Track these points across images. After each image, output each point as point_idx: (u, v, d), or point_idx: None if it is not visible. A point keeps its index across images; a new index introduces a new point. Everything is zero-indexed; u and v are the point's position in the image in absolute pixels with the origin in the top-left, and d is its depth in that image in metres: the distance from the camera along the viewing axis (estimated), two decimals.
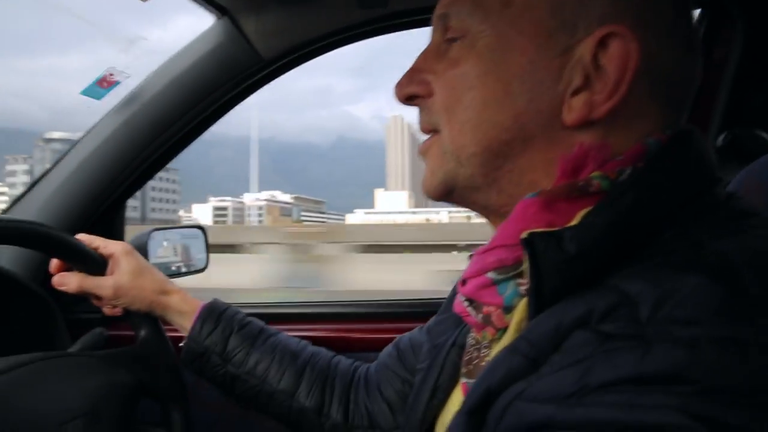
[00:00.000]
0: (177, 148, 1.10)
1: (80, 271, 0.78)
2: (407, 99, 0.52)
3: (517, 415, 0.36)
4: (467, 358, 0.54)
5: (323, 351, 0.85)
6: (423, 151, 0.52)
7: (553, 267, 0.39)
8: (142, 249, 1.02)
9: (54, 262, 0.80)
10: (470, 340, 0.55)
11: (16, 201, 1.09)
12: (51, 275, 0.79)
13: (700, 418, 0.30)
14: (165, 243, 1.09)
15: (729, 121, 1.09)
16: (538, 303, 0.40)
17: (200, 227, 1.18)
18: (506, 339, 0.45)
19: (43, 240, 0.73)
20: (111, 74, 0.99)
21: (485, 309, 0.47)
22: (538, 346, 0.38)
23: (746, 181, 0.74)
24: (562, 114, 0.45)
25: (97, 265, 0.78)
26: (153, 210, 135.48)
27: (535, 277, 0.40)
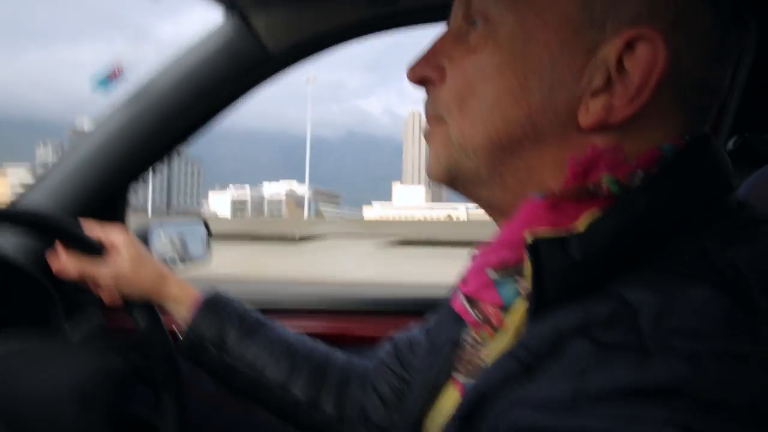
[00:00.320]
0: (183, 140, 1.10)
1: (78, 256, 0.78)
2: (419, 81, 0.50)
3: (510, 422, 0.35)
4: (464, 356, 0.53)
5: (320, 345, 0.84)
6: (428, 135, 0.51)
7: (556, 273, 0.38)
8: (144, 240, 1.03)
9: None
10: (467, 339, 0.54)
11: (24, 193, 1.10)
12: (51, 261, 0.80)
13: None
14: (167, 235, 1.10)
15: (740, 125, 1.07)
16: (538, 308, 0.39)
17: (202, 220, 1.18)
18: (503, 339, 0.45)
19: (40, 221, 0.74)
20: (119, 67, 1.00)
21: (484, 308, 0.46)
22: (535, 352, 0.37)
23: (757, 186, 0.73)
24: (578, 115, 0.42)
25: (94, 249, 0.78)
26: (177, 200, 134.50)
27: (536, 282, 0.39)
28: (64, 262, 0.79)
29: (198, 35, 1.06)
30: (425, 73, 0.50)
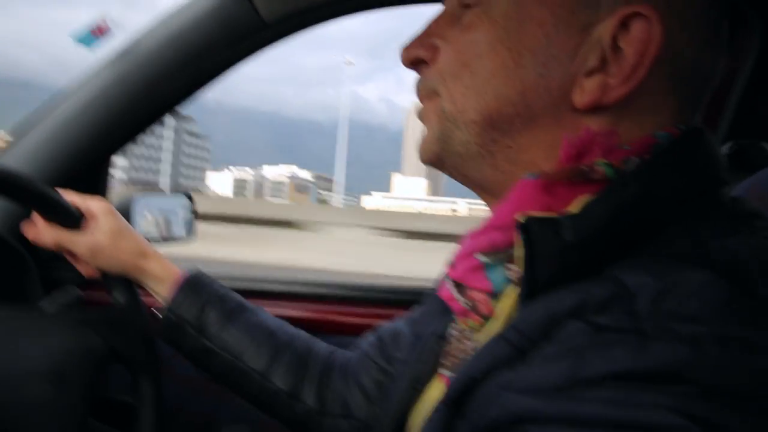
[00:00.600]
0: (169, 107, 1.06)
1: (54, 223, 0.74)
2: (412, 63, 0.50)
3: (501, 406, 0.34)
4: (448, 349, 0.52)
5: (302, 333, 0.82)
6: (421, 113, 0.50)
7: (548, 255, 0.38)
8: (126, 213, 0.99)
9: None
10: (453, 331, 0.54)
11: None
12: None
13: (698, 420, 0.28)
14: (150, 210, 1.06)
15: (736, 131, 1.07)
16: (530, 291, 0.38)
17: (188, 195, 1.14)
18: (492, 327, 0.43)
19: (16, 186, 0.69)
20: (105, 21, 0.94)
21: (472, 294, 0.45)
22: (527, 335, 0.36)
23: (750, 190, 0.72)
24: (573, 95, 0.42)
25: (71, 217, 0.74)
26: (185, 177, 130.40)
27: (528, 264, 0.38)
28: (41, 230, 0.75)
29: None
30: (419, 53, 0.49)
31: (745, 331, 0.31)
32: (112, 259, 0.76)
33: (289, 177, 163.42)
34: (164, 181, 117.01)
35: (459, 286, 0.46)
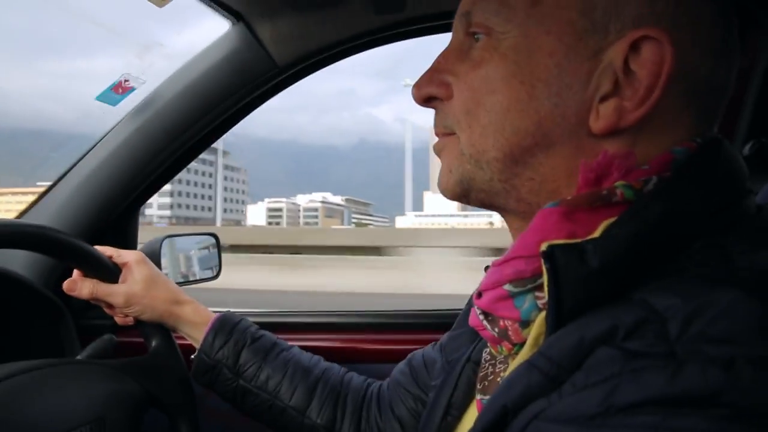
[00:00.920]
0: (191, 155, 1.09)
1: (93, 278, 0.78)
2: (425, 101, 0.50)
3: None
4: (482, 374, 0.52)
5: (335, 367, 0.83)
6: (439, 149, 0.50)
7: (574, 281, 0.37)
8: (155, 255, 1.02)
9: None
10: (485, 356, 0.53)
11: (31, 206, 1.09)
12: (63, 281, 0.79)
13: None
14: (178, 250, 1.09)
15: (756, 130, 1.05)
16: (558, 318, 0.38)
17: (214, 234, 1.17)
18: (523, 354, 0.43)
19: (57, 246, 0.73)
20: (126, 80, 0.99)
21: (501, 323, 0.45)
22: (558, 362, 0.35)
23: None
24: (590, 121, 0.42)
25: (110, 273, 0.78)
26: (225, 211, 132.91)
27: (554, 292, 0.38)
28: (78, 284, 0.78)
29: (205, 47, 1.06)
30: (431, 91, 0.49)
31: None
32: (146, 308, 0.79)
33: (321, 203, 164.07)
34: (208, 216, 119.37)
35: (487, 315, 0.46)
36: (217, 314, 0.82)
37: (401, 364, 0.78)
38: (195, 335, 0.80)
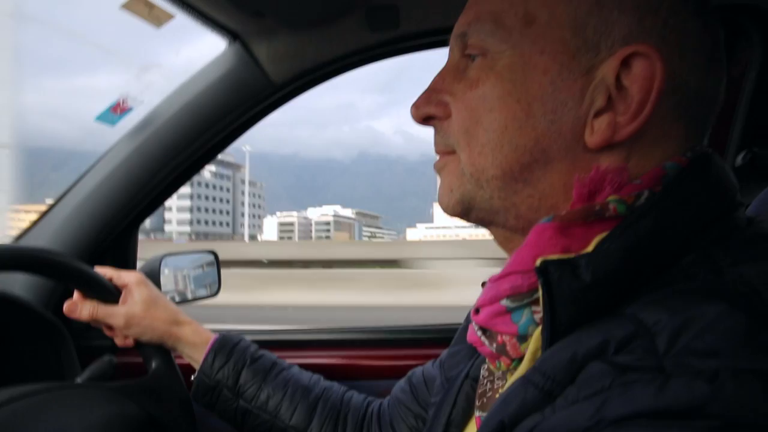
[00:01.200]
0: (189, 173, 1.10)
1: (93, 299, 0.78)
2: (424, 120, 0.51)
3: None
4: (481, 390, 0.52)
5: (336, 386, 0.83)
6: (439, 167, 0.51)
7: (567, 296, 0.38)
8: (155, 274, 1.02)
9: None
10: (484, 372, 0.54)
11: (31, 226, 1.09)
12: (63, 302, 0.79)
13: None
14: (177, 268, 1.09)
15: (748, 140, 1.06)
16: (553, 333, 0.38)
17: (213, 252, 1.17)
18: (522, 369, 0.43)
19: (57, 268, 0.74)
20: (124, 100, 1.00)
21: (499, 338, 0.45)
22: (552, 377, 0.36)
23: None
24: (585, 136, 0.43)
25: (110, 294, 0.78)
26: (242, 225, 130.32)
27: (548, 307, 0.38)
28: (78, 305, 0.79)
29: (202, 66, 1.07)
30: (429, 111, 0.50)
31: (761, 363, 0.31)
32: (146, 329, 0.79)
33: (333, 216, 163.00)
34: (225, 231, 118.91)
35: (485, 331, 0.47)
36: (217, 334, 0.82)
37: (401, 382, 0.79)
38: (195, 356, 0.81)
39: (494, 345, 0.46)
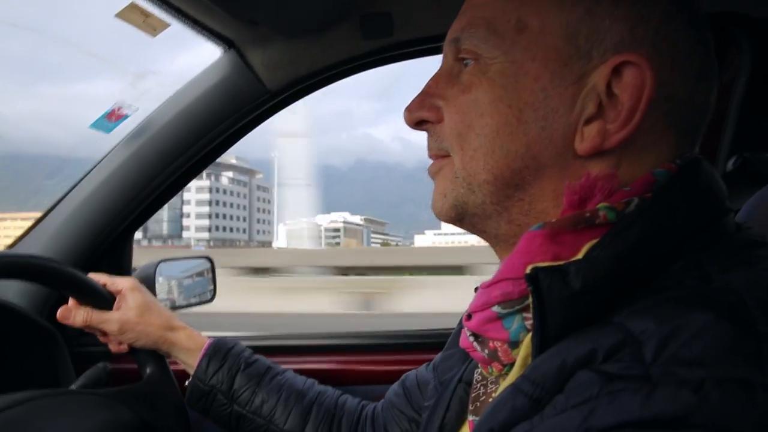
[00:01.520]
0: (184, 180, 1.10)
1: (87, 305, 0.78)
2: (417, 124, 0.51)
3: None
4: (474, 394, 0.53)
5: (330, 390, 0.84)
6: (434, 171, 0.51)
7: (557, 303, 0.38)
8: (150, 280, 1.02)
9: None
10: (477, 376, 0.54)
11: (26, 233, 1.09)
12: (57, 309, 0.80)
13: None
14: (172, 274, 1.09)
15: (739, 145, 1.07)
16: (543, 340, 0.39)
17: (208, 257, 1.17)
18: (513, 375, 0.44)
19: (50, 275, 0.74)
20: (119, 108, 1.01)
21: (491, 344, 0.46)
22: (541, 385, 0.36)
23: (758, 206, 0.72)
24: (575, 143, 0.44)
25: (104, 300, 0.79)
26: (259, 232, 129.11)
27: (539, 314, 0.39)
28: (72, 311, 0.79)
29: (197, 73, 1.07)
30: (422, 115, 0.51)
31: (745, 373, 0.31)
32: (140, 334, 0.79)
33: (343, 222, 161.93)
34: (242, 238, 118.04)
35: (477, 336, 0.47)
36: (211, 340, 0.83)
37: (395, 386, 0.79)
38: (189, 361, 0.81)
39: (486, 350, 0.46)
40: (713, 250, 0.40)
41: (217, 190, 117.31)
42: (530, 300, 0.40)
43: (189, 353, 0.81)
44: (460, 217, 0.50)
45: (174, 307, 1.05)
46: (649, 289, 0.38)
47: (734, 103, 1.07)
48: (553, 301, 0.38)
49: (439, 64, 0.52)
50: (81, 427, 0.67)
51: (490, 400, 0.49)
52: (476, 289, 0.48)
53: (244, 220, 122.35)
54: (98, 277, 0.80)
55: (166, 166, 1.06)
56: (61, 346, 0.95)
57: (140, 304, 0.80)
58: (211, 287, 1.15)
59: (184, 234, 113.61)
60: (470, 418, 0.52)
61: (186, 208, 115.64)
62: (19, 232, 1.10)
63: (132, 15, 0.83)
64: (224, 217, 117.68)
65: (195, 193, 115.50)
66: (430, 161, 0.52)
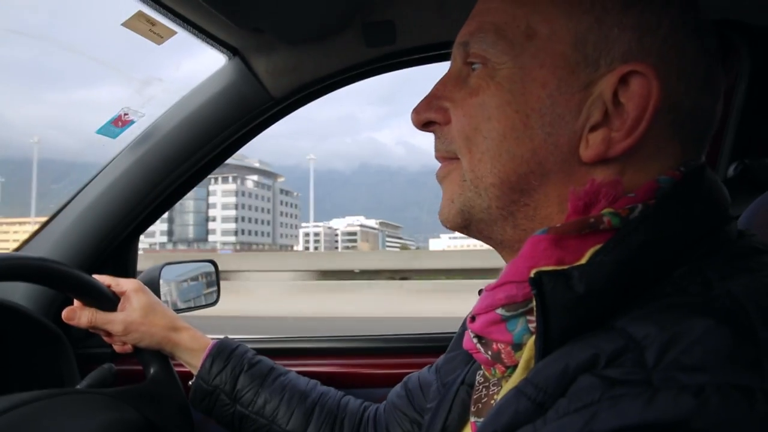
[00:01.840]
0: (189, 185, 1.12)
1: (92, 307, 0.79)
2: (424, 125, 0.52)
3: None
4: (476, 396, 0.53)
5: (332, 391, 0.84)
6: (442, 176, 0.52)
7: (561, 307, 0.39)
8: (154, 283, 1.04)
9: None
10: (479, 378, 0.55)
11: (32, 236, 1.11)
12: (62, 310, 0.81)
13: None
14: (177, 277, 1.10)
15: (739, 151, 1.08)
16: (546, 344, 0.39)
17: (212, 261, 1.19)
18: (516, 377, 0.45)
19: (56, 277, 0.75)
20: (126, 113, 1.02)
21: (495, 346, 0.46)
22: (544, 389, 0.37)
23: (759, 213, 0.73)
24: (580, 150, 0.44)
25: (108, 301, 0.80)
26: (282, 236, 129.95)
27: (542, 317, 0.39)
28: (77, 312, 0.80)
29: (202, 80, 1.09)
30: (429, 117, 0.51)
31: (745, 378, 0.32)
32: (144, 335, 0.80)
33: (360, 226, 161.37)
34: (266, 241, 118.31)
35: (481, 338, 0.48)
36: (215, 340, 0.84)
37: (397, 387, 0.79)
38: (193, 361, 0.82)
39: (489, 352, 0.47)
40: (715, 257, 0.41)
41: (243, 194, 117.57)
42: (534, 303, 0.40)
43: (193, 354, 0.82)
44: (466, 223, 0.50)
45: (178, 310, 1.07)
46: (650, 295, 0.39)
47: (734, 109, 1.07)
48: (556, 304, 0.39)
49: (443, 70, 0.53)
50: (86, 427, 0.68)
51: (492, 401, 0.50)
52: (480, 292, 0.49)
53: (268, 223, 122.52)
54: (103, 279, 0.82)
55: (170, 171, 1.08)
56: (66, 347, 0.96)
57: (144, 305, 0.81)
58: (216, 290, 1.16)
59: (210, 237, 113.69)
60: (472, 419, 0.53)
61: (212, 212, 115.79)
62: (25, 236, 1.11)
63: (138, 24, 0.84)
64: (250, 220, 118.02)
65: (221, 196, 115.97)
66: (434, 165, 0.53)
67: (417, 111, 0.52)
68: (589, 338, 0.37)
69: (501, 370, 0.47)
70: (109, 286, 0.81)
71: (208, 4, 0.80)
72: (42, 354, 0.95)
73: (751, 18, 1.00)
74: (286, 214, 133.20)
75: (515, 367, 0.45)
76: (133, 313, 0.80)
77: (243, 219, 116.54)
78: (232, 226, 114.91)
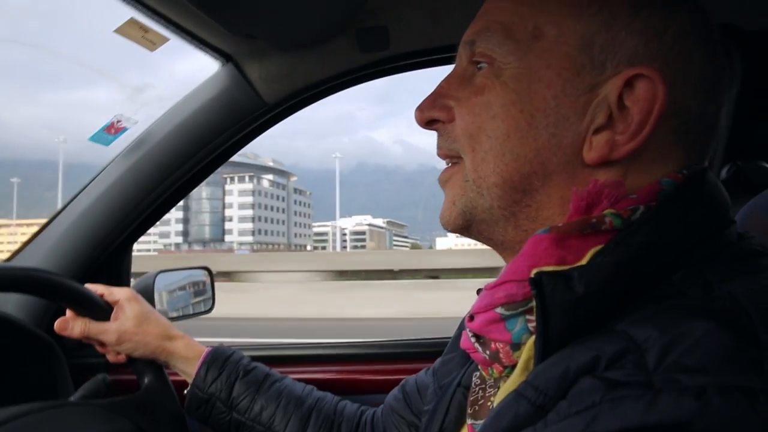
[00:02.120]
0: (183, 192, 1.11)
1: (85, 317, 0.79)
2: (428, 123, 0.52)
3: None
4: (473, 398, 0.53)
5: (329, 396, 0.84)
6: (444, 179, 0.52)
7: (560, 307, 0.39)
8: (148, 291, 1.03)
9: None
10: (475, 380, 0.54)
11: (24, 245, 1.10)
12: (55, 320, 0.80)
13: None
14: (171, 285, 1.10)
15: (732, 153, 1.08)
16: (546, 345, 0.39)
17: (206, 268, 1.18)
18: (514, 378, 0.44)
19: (48, 287, 0.74)
20: (119, 121, 1.01)
21: (493, 345, 0.46)
22: (545, 392, 0.37)
23: (752, 215, 0.73)
24: (583, 151, 0.44)
25: (101, 311, 0.79)
26: (296, 236, 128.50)
27: (542, 317, 0.39)
28: (69, 322, 0.79)
29: (195, 87, 1.08)
30: (433, 114, 0.51)
31: (747, 380, 0.32)
32: (138, 344, 0.79)
33: (368, 225, 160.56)
34: (282, 241, 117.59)
35: (479, 337, 0.47)
36: (209, 348, 0.83)
37: (395, 390, 0.79)
38: (188, 370, 0.81)
39: (488, 352, 0.46)
40: (715, 260, 0.41)
41: (259, 193, 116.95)
42: (534, 303, 0.40)
43: (187, 362, 0.81)
44: (468, 225, 0.50)
45: (173, 318, 1.06)
46: (651, 298, 0.39)
47: (727, 112, 1.08)
48: (556, 305, 0.39)
49: (440, 71, 0.53)
50: None
51: (489, 403, 0.50)
52: (479, 291, 0.49)
53: (283, 223, 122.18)
54: (96, 288, 0.81)
55: (164, 178, 1.07)
56: (59, 357, 0.95)
57: (138, 314, 0.80)
58: (210, 297, 1.15)
59: (227, 237, 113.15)
60: (469, 421, 0.53)
61: (228, 212, 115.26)
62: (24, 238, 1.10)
63: (131, 30, 0.84)
64: (266, 220, 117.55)
65: (238, 196, 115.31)
66: (431, 163, 0.53)
67: (421, 109, 0.52)
68: (590, 341, 0.37)
69: (499, 370, 0.46)
70: (102, 296, 0.81)
71: (200, 11, 0.79)
72: (35, 365, 0.94)
73: (744, 22, 1.01)
74: (300, 214, 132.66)
75: (513, 367, 0.45)
76: (127, 322, 0.79)
77: (260, 219, 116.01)
78: (248, 225, 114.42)
